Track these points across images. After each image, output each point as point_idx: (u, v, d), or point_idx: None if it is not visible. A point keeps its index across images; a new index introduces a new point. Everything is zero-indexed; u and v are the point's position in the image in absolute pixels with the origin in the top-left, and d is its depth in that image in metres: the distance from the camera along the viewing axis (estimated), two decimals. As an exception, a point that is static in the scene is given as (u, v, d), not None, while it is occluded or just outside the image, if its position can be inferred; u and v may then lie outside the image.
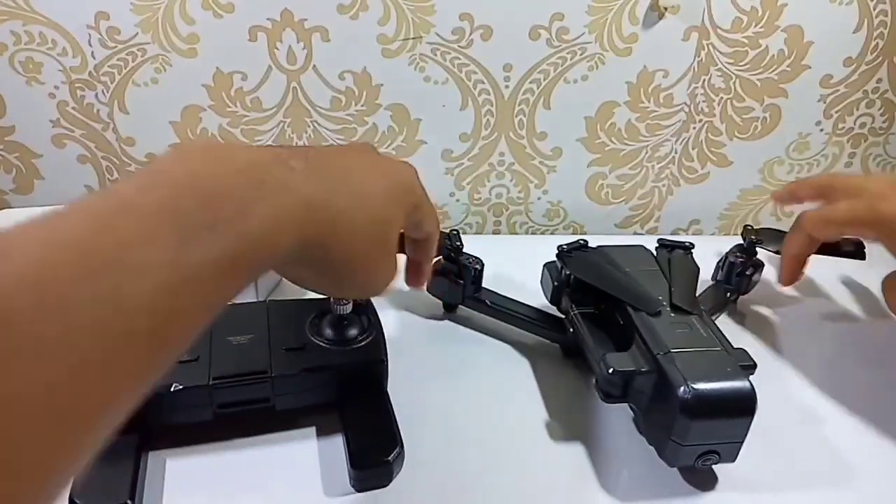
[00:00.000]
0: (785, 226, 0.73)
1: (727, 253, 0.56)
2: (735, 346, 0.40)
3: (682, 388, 0.36)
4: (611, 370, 0.39)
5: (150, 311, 0.23)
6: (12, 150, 0.63)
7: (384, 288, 0.35)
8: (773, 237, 0.55)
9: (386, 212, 0.33)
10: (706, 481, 0.40)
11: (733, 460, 0.38)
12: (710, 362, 0.38)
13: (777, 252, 0.54)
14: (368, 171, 0.33)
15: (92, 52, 0.59)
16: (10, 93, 0.60)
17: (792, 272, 0.52)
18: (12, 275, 0.20)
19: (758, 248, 0.55)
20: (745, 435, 0.37)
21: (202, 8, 0.57)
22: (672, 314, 0.42)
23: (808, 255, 0.51)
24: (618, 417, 0.44)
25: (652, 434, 0.41)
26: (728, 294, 0.55)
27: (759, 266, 0.55)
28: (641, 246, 0.51)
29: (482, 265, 0.52)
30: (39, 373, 0.20)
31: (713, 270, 0.56)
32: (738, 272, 0.54)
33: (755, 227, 0.55)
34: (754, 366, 0.39)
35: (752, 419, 0.37)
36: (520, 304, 0.52)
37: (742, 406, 0.36)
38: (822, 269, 0.57)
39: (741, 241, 0.56)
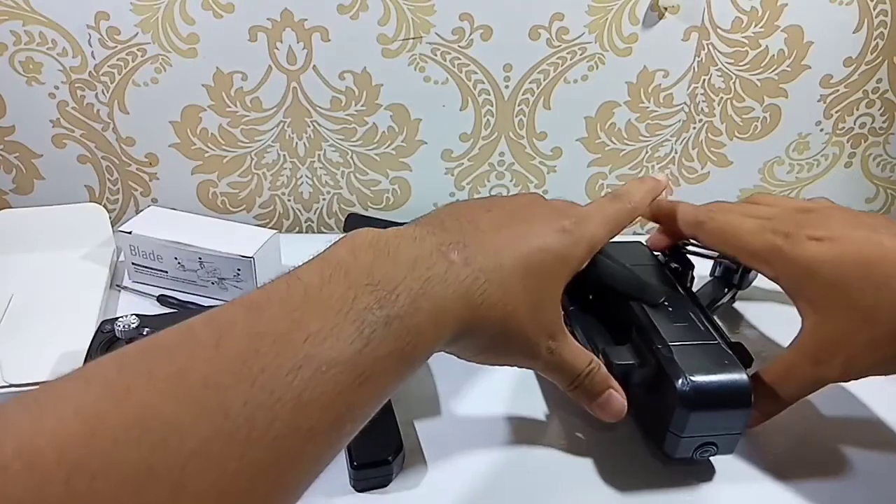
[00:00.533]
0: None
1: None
2: (733, 341, 0.40)
3: (680, 381, 0.36)
4: (610, 362, 0.39)
5: (331, 405, 0.24)
6: (12, 150, 0.63)
7: (546, 362, 0.36)
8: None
9: (539, 292, 0.34)
10: (704, 472, 0.40)
11: (731, 452, 0.39)
12: (708, 355, 0.38)
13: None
14: (521, 250, 0.34)
15: (92, 52, 0.59)
16: (10, 93, 0.60)
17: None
18: (226, 360, 0.23)
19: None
20: (743, 427, 0.38)
21: (202, 8, 0.57)
22: (670, 308, 0.42)
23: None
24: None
25: (650, 426, 0.41)
26: (726, 290, 0.55)
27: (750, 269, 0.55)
28: (639, 242, 0.51)
29: None
30: (230, 465, 0.21)
31: (711, 266, 0.57)
32: (736, 268, 0.55)
33: None
34: (751, 359, 0.40)
35: (749, 412, 0.37)
36: None
37: (739, 399, 0.37)
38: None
39: None
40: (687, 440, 0.37)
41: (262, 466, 0.22)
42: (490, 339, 0.33)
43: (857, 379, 0.38)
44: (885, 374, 0.37)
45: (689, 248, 0.52)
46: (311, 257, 0.29)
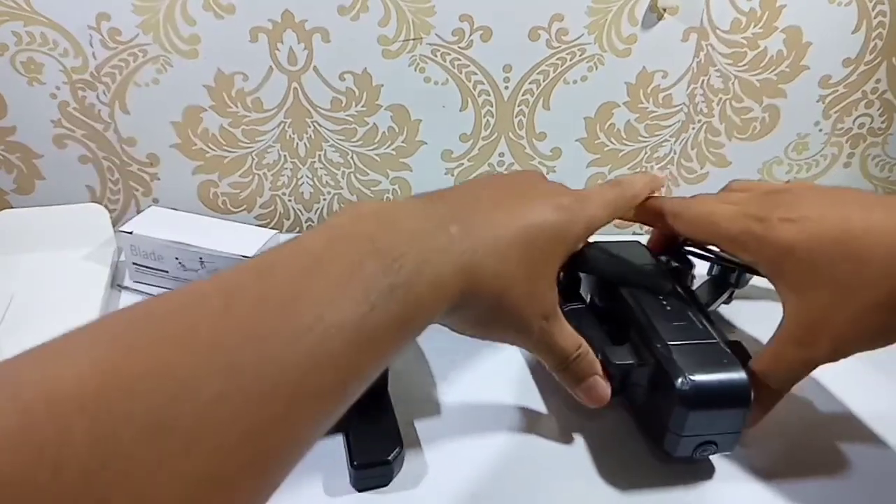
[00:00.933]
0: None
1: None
2: (731, 340, 0.41)
3: (679, 380, 0.37)
4: (610, 362, 0.40)
5: (336, 367, 0.25)
6: (13, 151, 0.63)
7: (537, 340, 0.37)
8: None
9: (534, 267, 0.35)
10: (704, 471, 0.41)
11: (731, 450, 0.39)
12: (707, 355, 0.39)
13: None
14: (519, 224, 0.35)
15: (93, 53, 0.59)
16: (11, 93, 0.60)
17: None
18: (234, 322, 0.23)
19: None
20: (742, 426, 0.38)
21: (203, 9, 0.57)
22: (668, 308, 0.42)
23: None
24: (617, 411, 0.44)
25: (650, 426, 0.41)
26: (723, 289, 0.55)
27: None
28: (637, 241, 0.51)
29: None
30: (241, 422, 0.21)
31: (708, 266, 0.57)
32: (733, 268, 0.55)
33: None
34: (750, 358, 0.40)
35: (748, 410, 0.37)
36: None
37: (738, 397, 0.37)
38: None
39: None
40: (687, 439, 0.38)
41: (274, 422, 0.22)
42: (485, 312, 0.34)
43: (845, 357, 0.38)
44: (873, 348, 0.37)
45: (689, 248, 0.52)
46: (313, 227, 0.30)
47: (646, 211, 0.47)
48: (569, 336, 0.38)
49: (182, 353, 0.21)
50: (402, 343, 0.29)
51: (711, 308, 0.54)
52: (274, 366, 0.22)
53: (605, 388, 0.39)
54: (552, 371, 0.39)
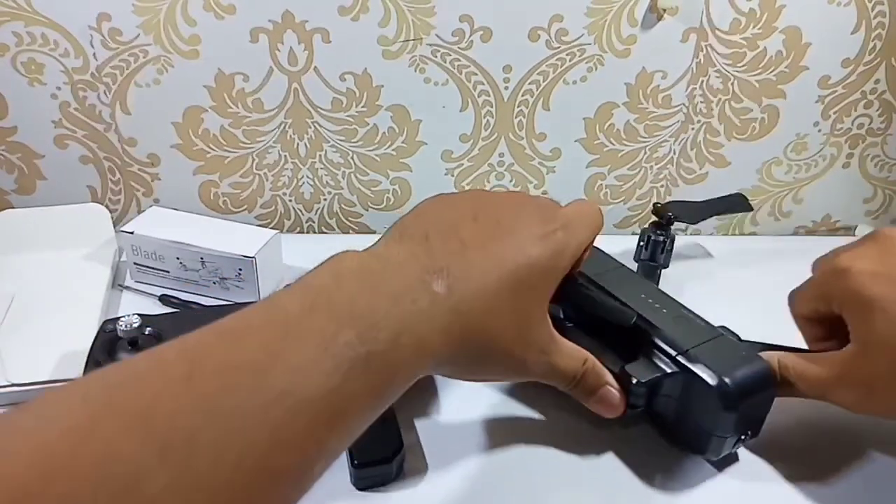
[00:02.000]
0: (784, 226, 0.73)
1: (645, 231, 0.58)
2: (721, 326, 0.41)
3: (716, 382, 0.36)
4: (635, 381, 0.38)
5: (302, 447, 0.23)
6: (14, 151, 0.63)
7: (540, 374, 0.36)
8: (685, 210, 0.59)
9: (524, 309, 0.34)
10: (706, 470, 0.41)
11: (758, 435, 0.39)
12: (726, 351, 0.39)
13: (691, 223, 0.59)
14: (507, 268, 0.33)
15: (94, 54, 0.59)
16: (13, 93, 0.60)
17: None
18: (195, 397, 0.21)
19: (673, 223, 0.58)
20: (769, 409, 0.39)
21: (203, 9, 0.58)
22: (664, 311, 0.41)
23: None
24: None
25: (685, 435, 0.40)
26: (655, 270, 0.58)
27: (674, 239, 0.58)
28: (595, 247, 0.47)
29: None
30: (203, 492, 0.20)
31: (635, 251, 0.59)
32: (662, 248, 0.57)
33: (664, 203, 0.58)
34: (738, 337, 0.41)
35: (774, 393, 0.38)
36: None
37: (767, 384, 0.38)
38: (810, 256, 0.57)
39: (657, 219, 0.58)
40: (730, 439, 0.38)
41: None
42: (475, 362, 0.33)
43: (861, 413, 0.38)
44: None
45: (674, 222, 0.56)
46: (291, 283, 0.28)
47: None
48: (570, 356, 0.37)
49: (136, 435, 0.20)
50: (376, 411, 0.28)
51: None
52: (234, 445, 0.21)
53: (616, 396, 0.38)
54: (564, 391, 0.38)
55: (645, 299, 0.42)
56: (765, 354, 0.39)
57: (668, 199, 0.72)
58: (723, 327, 0.41)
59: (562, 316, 0.42)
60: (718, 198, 0.64)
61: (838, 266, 0.38)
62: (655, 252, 0.57)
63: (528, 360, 0.35)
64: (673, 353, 0.38)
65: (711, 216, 0.64)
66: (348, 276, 0.28)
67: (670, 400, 0.39)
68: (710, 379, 0.36)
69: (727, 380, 0.36)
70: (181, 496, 0.20)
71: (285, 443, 0.23)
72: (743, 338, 0.43)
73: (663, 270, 0.59)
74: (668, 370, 0.38)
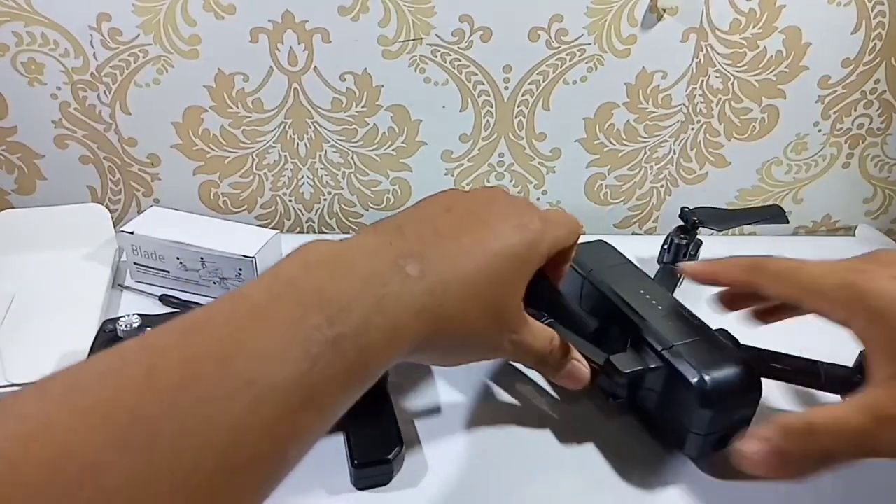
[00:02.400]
0: (784, 226, 0.73)
1: (670, 235, 0.59)
2: (720, 329, 0.42)
3: (696, 380, 0.37)
4: (619, 372, 0.39)
5: (272, 434, 0.23)
6: (14, 151, 0.63)
7: (511, 353, 0.36)
8: (712, 216, 0.59)
9: (500, 297, 0.33)
10: (708, 467, 0.41)
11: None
12: (711, 349, 0.39)
13: (718, 231, 0.58)
14: (481, 257, 0.32)
15: (94, 54, 0.59)
16: (13, 93, 0.60)
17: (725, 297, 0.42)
18: (156, 390, 0.21)
19: (700, 228, 0.58)
20: (755, 413, 0.38)
21: (203, 9, 0.58)
22: (659, 307, 0.42)
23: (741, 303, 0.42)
24: (616, 410, 0.44)
25: (667, 431, 0.41)
26: (679, 275, 0.57)
27: (699, 245, 0.59)
28: (601, 241, 0.51)
29: None
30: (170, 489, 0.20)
31: (658, 254, 0.59)
32: (685, 252, 0.58)
33: (692, 208, 0.59)
34: (737, 343, 0.41)
35: (760, 396, 0.38)
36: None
37: (749, 386, 0.38)
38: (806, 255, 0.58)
39: (682, 224, 0.59)
40: (709, 437, 0.38)
41: (195, 498, 0.21)
42: (449, 348, 0.33)
43: None
44: None
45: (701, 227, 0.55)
46: (261, 273, 0.28)
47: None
48: (539, 335, 0.37)
49: (94, 431, 0.20)
50: (353, 394, 0.27)
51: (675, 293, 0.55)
52: (196, 437, 0.21)
53: (582, 370, 0.39)
54: (532, 368, 0.39)
55: (643, 295, 0.43)
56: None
57: (669, 199, 0.72)
58: (721, 330, 0.42)
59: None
60: (753, 208, 0.65)
61: (857, 268, 0.33)
62: (678, 255, 0.58)
63: (500, 340, 0.35)
64: (658, 347, 0.39)
65: (742, 225, 0.63)
66: (317, 263, 0.28)
67: (653, 394, 0.40)
68: (690, 375, 0.37)
69: (706, 377, 0.37)
70: (143, 489, 0.20)
71: (251, 430, 0.22)
72: (742, 341, 0.43)
73: None
74: (652, 364, 0.39)
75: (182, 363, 0.22)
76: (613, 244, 0.51)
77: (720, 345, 0.40)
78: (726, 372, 0.37)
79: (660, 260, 0.59)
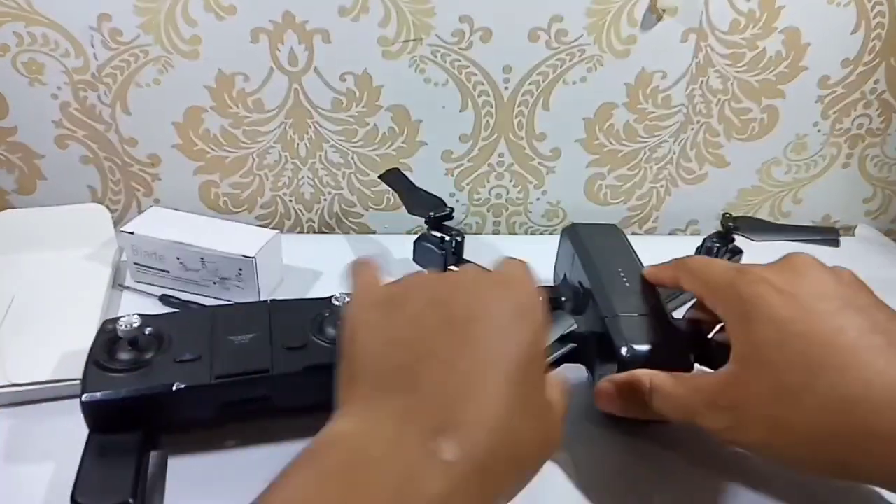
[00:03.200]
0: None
1: (705, 239, 0.58)
2: (691, 318, 0.43)
3: (623, 349, 0.39)
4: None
5: None
6: (15, 151, 0.63)
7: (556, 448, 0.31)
8: (752, 225, 0.57)
9: (539, 409, 0.29)
10: (709, 468, 0.41)
11: None
12: (654, 326, 0.41)
13: (754, 240, 0.56)
14: (506, 380, 0.27)
15: (94, 54, 0.59)
16: (13, 93, 0.60)
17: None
18: None
19: (735, 236, 0.57)
20: None
21: (204, 10, 0.58)
22: (627, 284, 0.45)
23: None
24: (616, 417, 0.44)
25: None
26: None
27: (737, 252, 0.57)
28: (613, 225, 0.53)
29: (463, 237, 0.55)
30: None
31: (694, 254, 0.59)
32: (715, 257, 0.57)
33: (734, 216, 0.57)
34: (704, 335, 0.42)
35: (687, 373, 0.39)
36: None
37: (678, 363, 0.39)
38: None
39: (720, 229, 0.58)
40: None
41: None
42: (516, 484, 0.28)
43: (726, 443, 0.36)
44: (763, 457, 0.35)
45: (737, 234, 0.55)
46: (270, 481, 0.23)
47: (659, 268, 0.44)
48: (558, 389, 0.32)
49: None
50: None
51: (681, 294, 0.55)
52: None
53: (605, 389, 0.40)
54: None
55: (618, 272, 0.46)
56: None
57: (668, 199, 0.72)
58: (694, 320, 0.43)
59: None
60: (806, 226, 0.65)
61: (749, 272, 0.35)
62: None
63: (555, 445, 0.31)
64: (603, 314, 0.42)
65: (785, 240, 0.58)
66: (335, 475, 0.23)
67: (592, 356, 0.43)
68: (619, 343, 0.39)
69: (632, 347, 0.39)
70: None
71: None
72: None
73: None
74: (595, 329, 0.42)
75: None
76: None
77: (663, 324, 0.41)
78: (653, 347, 0.39)
79: None
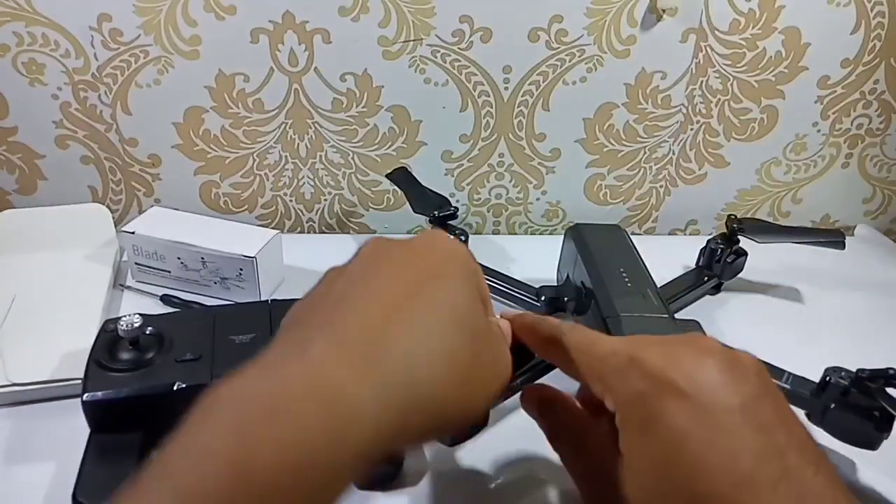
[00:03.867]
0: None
1: (709, 240, 0.58)
2: (689, 319, 0.43)
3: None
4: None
5: None
6: (15, 151, 0.64)
7: (492, 399, 0.31)
8: (757, 227, 0.57)
9: (464, 369, 0.28)
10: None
11: None
12: (653, 327, 0.41)
13: (759, 242, 0.56)
14: (428, 332, 0.27)
15: (94, 54, 0.59)
16: (13, 94, 0.61)
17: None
18: None
19: (740, 237, 0.57)
20: None
21: (204, 10, 0.58)
22: (629, 284, 0.45)
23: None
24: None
25: None
26: (707, 279, 0.57)
27: (742, 254, 0.58)
28: (616, 225, 0.54)
29: (467, 236, 0.55)
30: None
31: (696, 257, 0.59)
32: (718, 258, 0.57)
33: (739, 217, 0.57)
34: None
35: None
36: (497, 273, 0.55)
37: None
38: (802, 258, 0.60)
39: (725, 231, 0.58)
40: None
41: None
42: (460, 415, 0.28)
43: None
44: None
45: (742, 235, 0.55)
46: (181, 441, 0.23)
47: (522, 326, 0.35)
48: (501, 327, 0.33)
49: None
50: None
51: (688, 293, 0.56)
52: None
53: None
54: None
55: (620, 273, 0.46)
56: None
57: (668, 199, 0.72)
58: (692, 320, 0.43)
59: None
60: (811, 228, 0.65)
61: (645, 361, 0.28)
62: (711, 261, 0.58)
63: (473, 402, 0.30)
64: (604, 314, 0.43)
65: (789, 242, 0.59)
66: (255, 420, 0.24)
67: None
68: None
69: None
70: None
71: None
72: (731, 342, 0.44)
73: (723, 282, 0.59)
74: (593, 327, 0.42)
75: None
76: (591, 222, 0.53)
77: (665, 325, 0.42)
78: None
79: (697, 263, 0.59)
